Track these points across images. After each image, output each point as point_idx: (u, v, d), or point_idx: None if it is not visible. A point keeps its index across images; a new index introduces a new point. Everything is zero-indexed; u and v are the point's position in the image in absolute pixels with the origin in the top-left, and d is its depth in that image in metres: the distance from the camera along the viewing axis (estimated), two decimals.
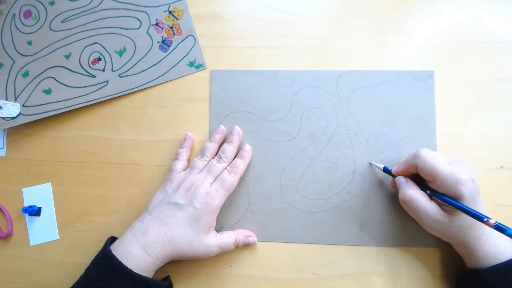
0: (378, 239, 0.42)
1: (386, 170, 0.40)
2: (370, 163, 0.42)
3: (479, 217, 0.31)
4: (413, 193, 0.35)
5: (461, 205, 0.33)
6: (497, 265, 0.34)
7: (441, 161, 0.34)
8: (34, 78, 0.48)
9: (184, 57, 0.47)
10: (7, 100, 0.47)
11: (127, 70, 0.47)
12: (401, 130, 0.43)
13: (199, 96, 0.46)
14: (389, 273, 0.41)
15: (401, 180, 0.37)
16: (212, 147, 0.43)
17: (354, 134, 0.43)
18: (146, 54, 0.47)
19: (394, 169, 0.39)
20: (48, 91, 0.47)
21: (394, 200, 0.42)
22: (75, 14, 0.49)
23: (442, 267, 0.41)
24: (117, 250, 0.36)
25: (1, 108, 0.47)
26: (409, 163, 0.36)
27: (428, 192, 0.35)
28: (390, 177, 0.41)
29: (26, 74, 0.48)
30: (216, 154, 0.43)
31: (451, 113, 0.43)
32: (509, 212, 0.41)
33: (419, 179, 0.37)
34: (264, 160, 0.44)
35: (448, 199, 0.33)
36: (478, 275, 0.35)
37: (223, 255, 0.41)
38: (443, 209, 0.35)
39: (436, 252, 0.41)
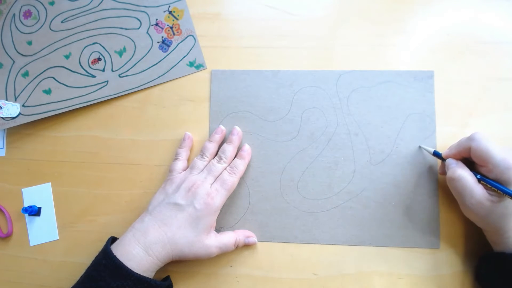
0: (378, 239, 0.42)
1: (436, 154, 0.40)
2: (420, 147, 0.42)
3: None
4: (462, 172, 0.36)
5: (510, 191, 0.33)
6: None
7: (495, 146, 0.34)
8: (34, 78, 0.48)
9: (184, 57, 0.47)
10: (7, 100, 0.47)
11: (127, 70, 0.47)
12: (401, 130, 0.43)
13: (199, 96, 0.46)
14: (389, 273, 0.41)
15: (451, 161, 0.38)
16: (212, 147, 0.43)
17: (354, 134, 0.43)
18: (146, 54, 0.47)
19: (444, 152, 0.39)
20: (48, 91, 0.47)
21: (394, 200, 0.42)
22: (75, 14, 0.49)
23: (442, 267, 0.41)
24: (117, 250, 0.36)
25: (1, 108, 0.47)
26: (462, 145, 0.37)
27: (478, 176, 0.35)
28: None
29: (26, 74, 0.48)
30: (216, 154, 0.43)
31: (451, 113, 0.43)
32: None
33: (469, 164, 0.37)
34: (264, 160, 0.44)
35: (498, 185, 0.34)
36: (505, 257, 0.35)
37: (223, 255, 0.41)
38: (489, 193, 0.35)
39: (436, 252, 0.41)
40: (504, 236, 0.35)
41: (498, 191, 0.34)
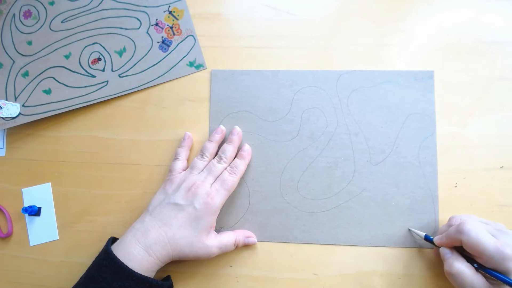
0: (378, 239, 0.42)
1: (427, 238, 0.39)
2: (409, 230, 0.41)
3: None
4: (460, 266, 0.34)
5: (510, 281, 0.32)
6: None
7: (486, 237, 0.33)
8: (34, 78, 0.48)
9: (184, 57, 0.47)
10: (7, 100, 0.47)
11: (127, 70, 0.47)
12: (401, 130, 0.43)
13: (199, 96, 0.46)
14: (389, 273, 0.41)
15: (446, 251, 0.36)
16: (211, 147, 0.43)
17: (354, 134, 0.43)
18: (146, 54, 0.47)
19: (436, 240, 0.38)
20: (48, 91, 0.47)
21: (394, 200, 0.42)
22: (75, 14, 0.49)
23: (442, 267, 0.41)
24: (118, 251, 0.36)
25: (1, 108, 0.47)
26: (452, 237, 0.35)
27: (475, 265, 0.34)
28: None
29: (26, 74, 0.48)
30: (216, 154, 0.43)
31: (451, 113, 0.43)
32: (509, 212, 0.41)
33: (464, 250, 0.36)
34: (264, 160, 0.44)
35: (496, 274, 0.33)
36: None
37: (223, 255, 0.41)
38: (490, 282, 0.34)
39: (436, 252, 0.41)
40: None
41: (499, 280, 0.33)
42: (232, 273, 0.43)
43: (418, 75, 0.44)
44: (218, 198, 0.39)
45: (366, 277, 0.41)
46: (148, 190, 0.45)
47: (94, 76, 0.47)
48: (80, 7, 0.49)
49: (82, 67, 0.48)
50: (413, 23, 0.45)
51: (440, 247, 0.37)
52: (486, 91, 0.43)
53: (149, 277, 0.36)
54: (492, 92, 0.43)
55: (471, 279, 0.34)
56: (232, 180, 0.40)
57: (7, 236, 0.46)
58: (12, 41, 0.49)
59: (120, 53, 0.47)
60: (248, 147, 0.44)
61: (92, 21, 0.48)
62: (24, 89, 0.48)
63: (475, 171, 0.42)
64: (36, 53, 0.48)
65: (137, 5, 0.48)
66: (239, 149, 0.44)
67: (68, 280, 0.44)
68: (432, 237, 0.39)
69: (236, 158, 0.43)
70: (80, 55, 0.48)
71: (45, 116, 0.46)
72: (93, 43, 0.48)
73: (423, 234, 0.40)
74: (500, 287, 0.33)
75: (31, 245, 0.46)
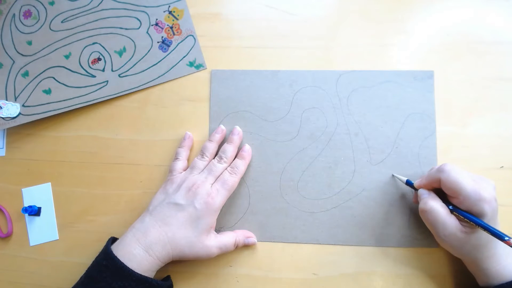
0: (378, 239, 0.42)
1: (408, 183, 0.40)
2: (393, 175, 0.42)
3: (501, 236, 0.32)
4: (434, 204, 0.35)
5: (483, 223, 0.32)
6: (508, 282, 0.34)
7: (465, 177, 0.34)
8: (34, 78, 0.48)
9: (184, 57, 0.47)
10: (7, 100, 0.47)
11: (127, 70, 0.47)
12: (401, 130, 0.43)
13: (199, 96, 0.46)
14: (389, 273, 0.41)
15: (423, 191, 0.37)
16: (212, 147, 0.43)
17: (354, 134, 0.43)
18: (146, 54, 0.47)
19: (416, 182, 0.39)
20: (48, 91, 0.47)
21: (394, 200, 0.42)
22: (75, 14, 0.49)
23: (442, 267, 0.41)
24: (118, 250, 0.36)
25: (1, 108, 0.47)
26: (432, 177, 0.36)
27: (450, 207, 0.35)
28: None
29: (26, 74, 0.48)
30: (216, 153, 0.43)
31: (451, 113, 0.43)
32: (509, 212, 0.41)
33: (441, 194, 0.36)
34: (264, 160, 0.44)
35: (470, 216, 0.33)
36: None
37: (223, 255, 0.41)
38: (462, 225, 0.34)
39: (436, 252, 0.41)
40: (482, 267, 0.35)
41: (471, 222, 0.33)
42: (232, 273, 0.43)
43: (418, 75, 0.44)
44: (219, 198, 0.39)
45: (366, 277, 0.41)
46: (148, 190, 0.45)
47: (94, 76, 0.47)
48: (80, 7, 0.49)
49: (82, 67, 0.48)
50: (413, 23, 0.45)
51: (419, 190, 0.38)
52: (486, 91, 0.43)
53: (149, 277, 0.36)
54: (492, 92, 0.43)
55: (443, 218, 0.34)
56: (232, 180, 0.40)
57: (7, 236, 0.46)
58: (12, 41, 0.49)
59: (120, 53, 0.47)
60: (248, 147, 0.44)
61: (92, 21, 0.48)
62: (24, 89, 0.48)
63: (475, 171, 0.42)
64: (36, 53, 0.48)
65: (137, 5, 0.48)
66: (239, 149, 0.44)
67: (68, 280, 0.43)
68: (413, 182, 0.39)
69: (236, 158, 0.43)
70: (80, 55, 0.48)
71: (45, 116, 0.46)
72: (93, 43, 0.48)
73: (404, 179, 0.40)
74: (472, 229, 0.34)
75: (31, 245, 0.46)
